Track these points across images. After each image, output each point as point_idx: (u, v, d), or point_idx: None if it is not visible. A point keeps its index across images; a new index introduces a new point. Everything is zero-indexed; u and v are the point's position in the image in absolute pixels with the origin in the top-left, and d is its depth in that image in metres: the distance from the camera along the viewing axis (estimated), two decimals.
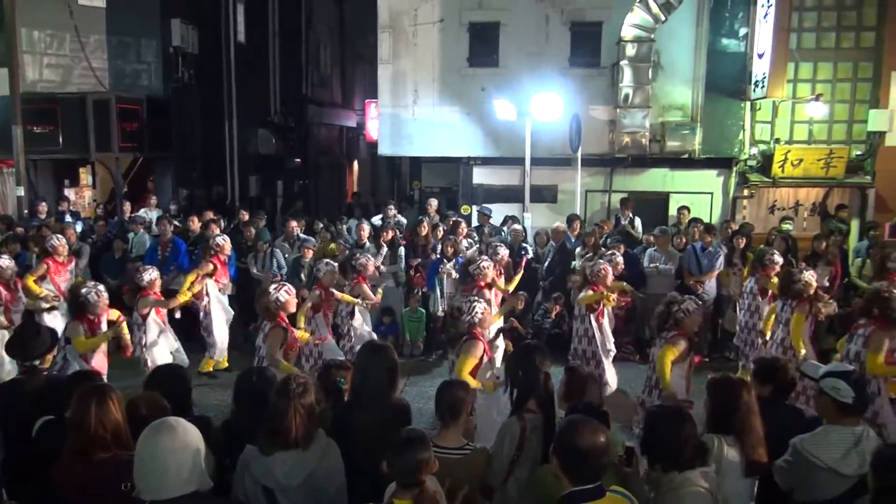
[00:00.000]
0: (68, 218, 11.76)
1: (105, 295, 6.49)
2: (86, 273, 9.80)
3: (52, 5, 13.72)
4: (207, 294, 8.63)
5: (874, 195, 13.37)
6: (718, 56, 13.56)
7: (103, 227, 11.36)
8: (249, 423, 3.58)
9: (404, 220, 12.04)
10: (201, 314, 8.77)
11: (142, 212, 12.49)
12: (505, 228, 11.26)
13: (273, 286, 6.16)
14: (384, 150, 15.11)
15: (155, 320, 7.43)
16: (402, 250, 10.18)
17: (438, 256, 9.80)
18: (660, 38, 13.10)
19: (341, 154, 24.48)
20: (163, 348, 7.39)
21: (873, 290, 6.01)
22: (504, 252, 8.55)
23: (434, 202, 12.38)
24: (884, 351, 5.61)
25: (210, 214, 11.17)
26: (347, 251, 9.80)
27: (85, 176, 15.12)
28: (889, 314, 5.67)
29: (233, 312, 9.03)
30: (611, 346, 7.73)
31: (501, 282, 8.29)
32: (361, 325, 8.20)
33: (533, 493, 3.46)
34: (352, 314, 8.15)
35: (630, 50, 13.00)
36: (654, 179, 13.77)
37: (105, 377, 5.74)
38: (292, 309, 6.25)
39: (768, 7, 12.66)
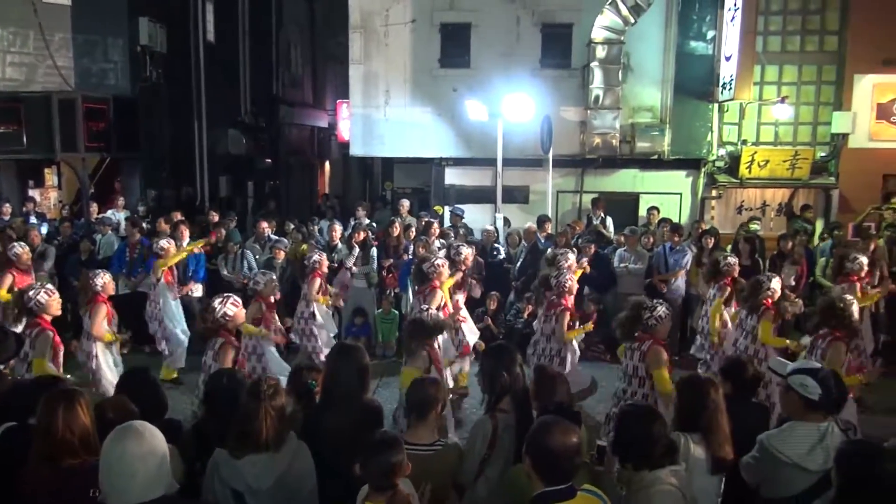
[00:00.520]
0: (33, 219, 11.55)
1: (56, 295, 6.09)
2: (51, 275, 9.62)
3: (15, 2, 13.44)
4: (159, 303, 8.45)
5: (838, 196, 13.64)
6: (687, 58, 13.75)
7: (68, 229, 11.16)
8: (219, 425, 3.55)
9: (374, 224, 12.01)
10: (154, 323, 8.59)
11: (109, 213, 12.30)
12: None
13: (217, 300, 5.69)
14: (356, 150, 15.06)
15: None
16: (374, 251, 10.16)
17: (411, 257, 9.79)
18: (629, 40, 13.24)
19: (313, 154, 24.34)
20: (109, 361, 7.04)
21: (827, 302, 5.86)
22: (467, 251, 8.38)
23: (406, 203, 12.38)
24: (844, 363, 5.50)
25: (178, 215, 11.04)
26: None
27: (50, 176, 14.85)
28: (846, 325, 5.61)
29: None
30: (575, 346, 7.75)
31: (450, 281, 7.89)
32: (323, 326, 8.22)
33: (505, 493, 3.47)
34: (313, 315, 8.18)
35: (600, 52, 13.12)
36: (624, 180, 13.90)
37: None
38: (241, 320, 5.84)
39: (735, 10, 12.86)
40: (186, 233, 9.93)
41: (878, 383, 6.47)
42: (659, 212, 11.89)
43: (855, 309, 5.73)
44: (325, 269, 8.48)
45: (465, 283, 8.36)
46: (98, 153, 14.17)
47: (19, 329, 6.18)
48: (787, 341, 6.67)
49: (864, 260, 8.06)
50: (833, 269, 8.31)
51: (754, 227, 11.91)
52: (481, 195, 13.59)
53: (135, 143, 14.80)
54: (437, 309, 6.49)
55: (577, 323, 7.41)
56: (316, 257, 8.37)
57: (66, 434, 3.10)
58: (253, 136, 19.08)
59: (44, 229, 10.92)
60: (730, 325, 7.41)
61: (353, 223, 11.19)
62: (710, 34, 13.74)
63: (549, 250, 9.28)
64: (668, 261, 9.92)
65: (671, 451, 3.40)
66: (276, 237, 10.66)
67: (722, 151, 13.90)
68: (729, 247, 10.70)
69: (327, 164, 25.80)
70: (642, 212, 12.87)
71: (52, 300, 5.95)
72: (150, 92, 14.92)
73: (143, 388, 3.94)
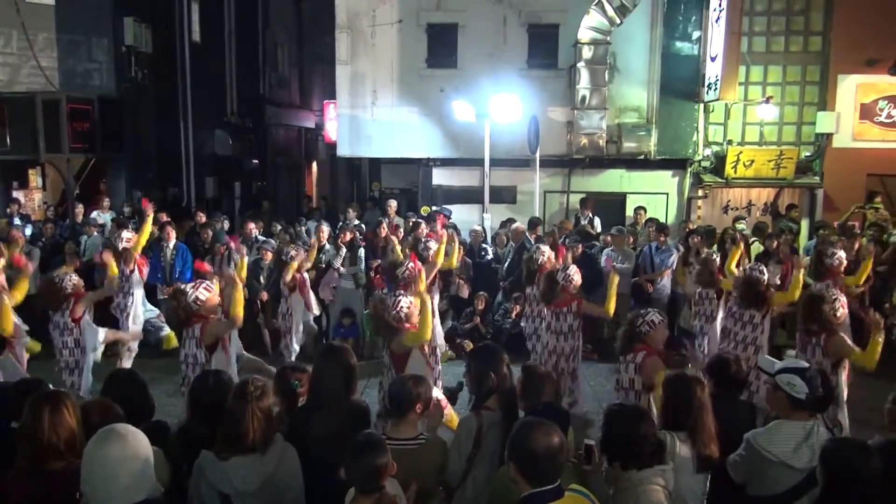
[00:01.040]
0: (17, 221, 11.44)
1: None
2: (36, 277, 9.52)
3: None
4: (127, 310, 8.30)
5: (822, 195, 13.75)
6: (672, 59, 13.81)
7: (51, 230, 11.06)
8: (205, 427, 3.53)
9: (363, 225, 11.98)
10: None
11: (94, 214, 12.21)
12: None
13: (190, 284, 5.56)
14: (343, 151, 15.03)
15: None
16: (361, 251, 10.14)
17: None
18: (615, 40, 13.28)
19: (300, 155, 24.28)
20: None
21: (809, 299, 5.89)
22: (435, 247, 8.33)
23: (394, 203, 12.37)
24: (849, 345, 5.55)
25: (164, 216, 10.97)
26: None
27: (35, 178, 14.71)
28: (830, 326, 5.60)
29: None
30: None
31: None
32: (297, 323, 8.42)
33: (493, 495, 3.47)
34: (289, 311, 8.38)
35: (587, 52, 13.16)
36: (610, 180, 13.95)
37: None
38: (214, 304, 5.58)
39: (720, 11, 12.93)
40: (173, 234, 9.89)
41: (862, 381, 6.53)
42: (646, 212, 11.94)
43: (840, 304, 5.69)
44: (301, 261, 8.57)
45: (434, 281, 8.32)
46: (83, 154, 14.04)
47: None
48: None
49: (842, 255, 8.12)
50: (813, 268, 8.35)
51: (740, 226, 11.97)
52: (469, 195, 13.61)
53: (120, 143, 14.69)
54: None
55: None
56: (293, 253, 8.51)
57: (51, 437, 3.06)
58: (240, 137, 19.00)
59: (28, 231, 10.81)
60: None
61: (341, 223, 11.15)
62: (696, 35, 13.81)
63: (525, 252, 9.27)
64: (655, 260, 9.97)
65: (659, 451, 3.41)
66: (264, 238, 10.62)
67: (708, 151, 13.98)
68: (715, 246, 10.76)
69: (315, 165, 25.73)
70: (629, 212, 12.93)
71: None
72: (136, 92, 14.82)
73: (129, 390, 3.91)
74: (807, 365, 3.99)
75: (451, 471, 3.80)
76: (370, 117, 14.37)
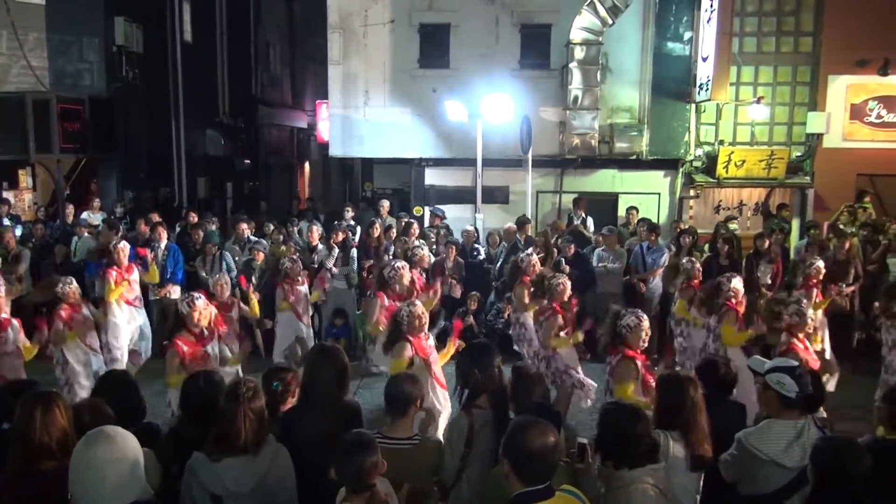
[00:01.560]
0: (7, 221, 11.37)
1: (2, 289, 6.13)
2: (26, 278, 9.49)
3: None
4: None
5: (813, 195, 13.82)
6: (664, 59, 13.83)
7: (40, 230, 11.00)
8: (197, 429, 3.51)
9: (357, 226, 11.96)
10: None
11: (85, 214, 12.15)
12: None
13: (185, 298, 5.70)
14: (335, 151, 15.00)
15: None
16: (354, 252, 10.12)
17: (391, 258, 9.76)
18: (607, 41, 13.30)
19: (292, 155, 24.23)
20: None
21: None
22: (424, 251, 8.32)
23: (386, 203, 12.36)
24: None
25: (156, 217, 10.93)
26: (298, 253, 9.71)
27: (25, 178, 14.61)
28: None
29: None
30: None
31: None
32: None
33: (487, 494, 3.47)
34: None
35: (579, 52, 13.17)
36: (603, 180, 13.97)
37: None
38: (203, 322, 5.71)
39: (711, 12, 12.97)
40: (164, 234, 9.85)
41: (852, 380, 6.57)
42: (638, 211, 11.97)
43: (808, 313, 5.87)
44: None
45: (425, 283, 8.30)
46: (73, 154, 13.97)
47: None
48: (749, 330, 6.69)
49: (820, 264, 8.14)
50: (790, 277, 8.42)
51: (732, 226, 12.02)
52: (461, 195, 13.59)
53: (111, 144, 14.63)
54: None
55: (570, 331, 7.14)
56: (288, 265, 8.40)
57: (43, 437, 3.06)
58: (231, 137, 18.94)
59: (18, 231, 10.75)
60: None
61: (338, 223, 11.09)
62: (687, 35, 13.84)
63: (513, 258, 9.25)
64: (646, 260, 9.99)
65: (653, 451, 3.43)
66: (256, 238, 10.59)
67: (699, 151, 14.01)
68: (706, 246, 10.82)
69: (307, 165, 25.67)
70: (621, 212, 12.95)
71: None
72: (127, 92, 14.76)
73: (120, 391, 3.89)
74: (796, 364, 4.02)
75: (445, 470, 3.80)
76: (362, 117, 14.35)
